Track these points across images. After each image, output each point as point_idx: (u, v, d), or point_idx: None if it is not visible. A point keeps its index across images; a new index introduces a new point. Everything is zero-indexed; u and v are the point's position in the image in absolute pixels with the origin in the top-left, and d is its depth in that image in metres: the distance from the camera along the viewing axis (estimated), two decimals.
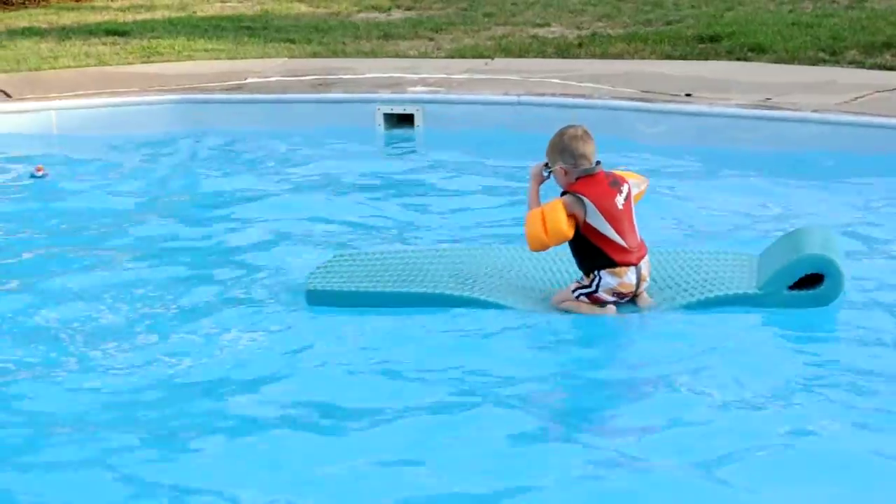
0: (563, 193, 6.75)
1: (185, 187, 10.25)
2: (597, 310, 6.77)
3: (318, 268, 7.45)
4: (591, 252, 6.71)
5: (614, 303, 6.79)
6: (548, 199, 6.77)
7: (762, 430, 5.36)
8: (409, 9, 19.09)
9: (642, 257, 6.79)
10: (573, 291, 6.81)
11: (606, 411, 5.84)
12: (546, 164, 6.82)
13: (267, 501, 4.85)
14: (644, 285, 6.83)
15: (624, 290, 6.75)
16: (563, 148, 6.70)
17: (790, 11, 16.79)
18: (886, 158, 9.95)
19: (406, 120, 12.02)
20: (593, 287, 6.73)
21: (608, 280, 6.70)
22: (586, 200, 6.61)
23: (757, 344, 6.42)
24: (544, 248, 6.74)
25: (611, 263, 6.68)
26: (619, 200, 6.71)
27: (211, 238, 8.72)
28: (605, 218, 6.64)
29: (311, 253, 8.16)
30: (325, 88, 12.64)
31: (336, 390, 5.96)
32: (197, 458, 5.30)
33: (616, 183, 6.77)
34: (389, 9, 19.09)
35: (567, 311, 6.80)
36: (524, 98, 11.76)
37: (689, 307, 6.76)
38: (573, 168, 6.70)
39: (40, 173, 10.40)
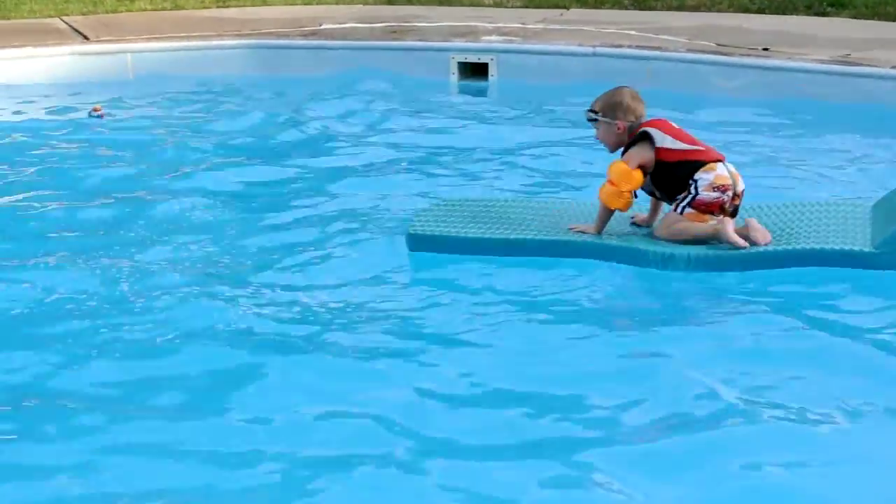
0: (623, 153, 6.87)
1: (259, 132, 10.25)
2: (706, 226, 6.72)
3: (418, 213, 7.36)
4: (676, 168, 6.76)
5: (719, 205, 6.71)
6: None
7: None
8: None
9: (724, 158, 6.84)
10: (675, 210, 6.78)
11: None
12: (592, 111, 6.93)
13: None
14: (741, 186, 6.77)
15: (722, 182, 6.71)
16: (628, 107, 6.87)
17: None
18: None
19: (480, 69, 11.97)
20: (693, 191, 6.71)
21: (703, 177, 6.71)
22: (651, 130, 6.78)
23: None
24: (631, 199, 6.78)
25: (698, 164, 6.73)
26: (672, 122, 6.93)
27: (287, 184, 8.72)
28: (673, 136, 6.78)
29: (391, 201, 8.13)
30: (399, 36, 12.61)
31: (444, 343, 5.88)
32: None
33: (661, 118, 6.99)
34: None
35: (677, 240, 6.76)
36: (599, 49, 11.68)
37: (797, 259, 6.60)
38: (631, 123, 6.85)
39: (97, 113, 10.44)
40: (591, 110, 6.94)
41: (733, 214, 6.79)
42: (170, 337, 5.90)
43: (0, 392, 5.42)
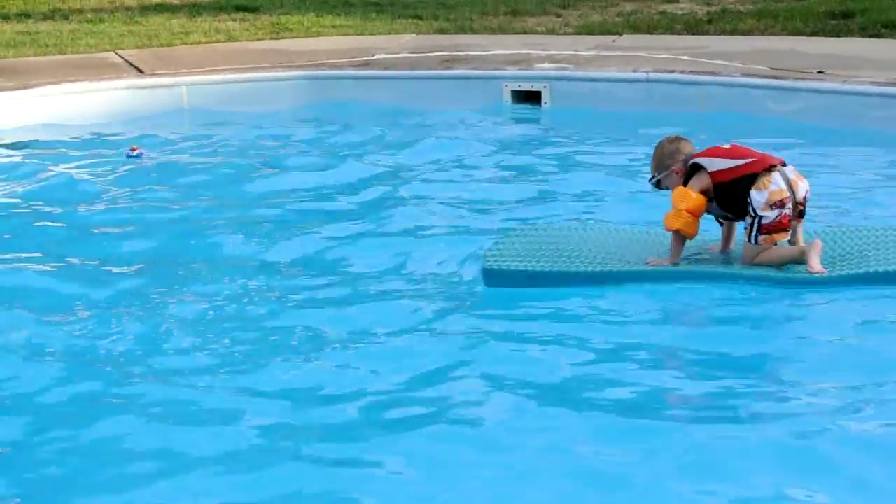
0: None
1: (315, 164, 10.28)
2: (792, 251, 6.84)
3: (490, 247, 7.28)
4: (734, 186, 6.84)
5: (787, 219, 6.77)
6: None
7: None
8: None
9: (780, 162, 6.92)
10: (752, 243, 6.83)
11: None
12: (651, 178, 7.15)
13: None
14: (802, 192, 6.84)
15: (780, 197, 6.78)
16: (673, 151, 7.10)
17: None
18: None
19: (533, 97, 11.99)
20: (754, 214, 6.79)
21: (757, 197, 6.78)
22: (700, 159, 6.94)
23: None
24: (697, 223, 6.87)
25: (751, 179, 6.82)
26: (723, 145, 7.07)
27: (349, 215, 8.72)
28: (723, 157, 6.93)
29: (456, 232, 8.15)
30: (452, 65, 12.65)
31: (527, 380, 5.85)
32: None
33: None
34: None
35: (762, 265, 6.87)
36: (653, 75, 11.67)
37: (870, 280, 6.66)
38: (684, 161, 7.02)
39: (135, 153, 10.42)
40: (650, 179, 7.16)
41: (800, 216, 6.88)
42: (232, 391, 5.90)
43: None
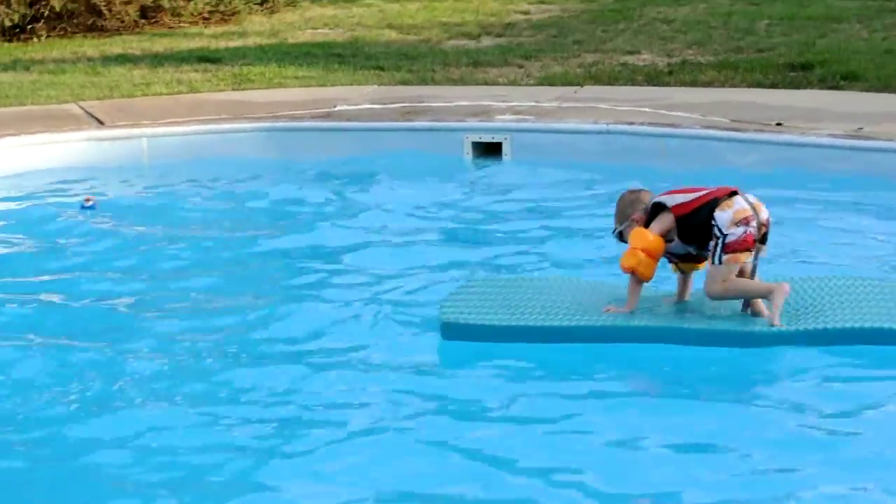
0: None
1: (276, 215, 10.28)
2: (762, 286, 6.89)
3: (447, 299, 7.34)
4: (695, 216, 6.91)
5: (751, 239, 6.80)
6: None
7: None
8: (498, 35, 19.09)
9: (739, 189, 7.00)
10: (717, 264, 6.84)
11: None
12: (615, 231, 7.22)
13: None
14: (764, 214, 6.91)
15: (743, 216, 6.83)
16: (633, 201, 7.20)
17: (884, 39, 16.60)
18: None
19: (494, 148, 11.99)
20: (719, 234, 6.81)
21: (721, 216, 6.82)
22: (662, 198, 7.05)
23: None
24: (654, 264, 6.95)
25: (714, 204, 6.87)
26: (679, 187, 7.18)
27: (306, 268, 8.71)
28: (683, 192, 7.04)
29: (414, 282, 8.17)
30: (413, 116, 12.66)
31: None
32: None
33: None
34: (479, 36, 19.10)
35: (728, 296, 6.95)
36: (613, 126, 11.70)
37: (838, 336, 6.71)
38: (644, 209, 7.09)
39: (89, 204, 10.38)
40: (613, 232, 7.23)
41: (763, 241, 6.93)
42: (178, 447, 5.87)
43: None
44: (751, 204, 6.88)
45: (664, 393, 6.51)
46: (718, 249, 6.82)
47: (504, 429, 5.97)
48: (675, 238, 6.94)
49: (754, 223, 6.82)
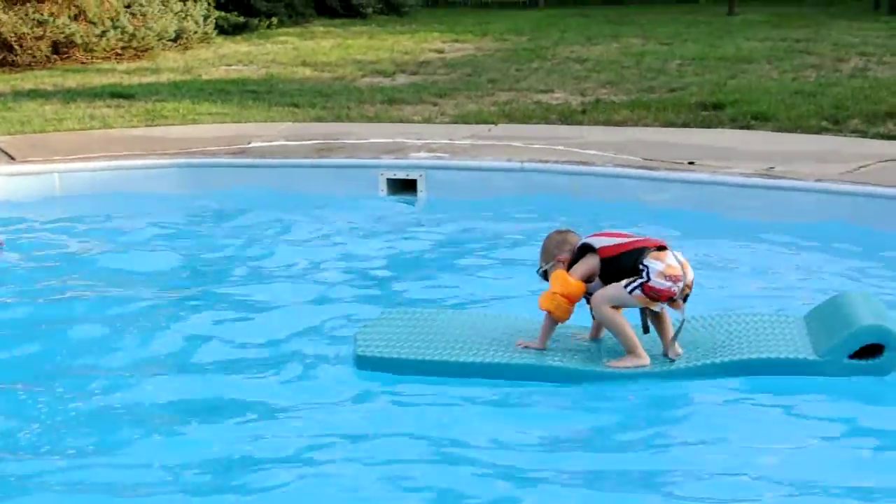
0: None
1: (187, 251, 10.21)
2: (634, 345, 6.90)
3: (362, 330, 7.38)
4: (620, 260, 6.92)
5: (669, 295, 6.85)
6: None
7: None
8: (413, 74, 19.18)
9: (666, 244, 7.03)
10: (625, 288, 6.86)
11: (659, 479, 5.80)
12: (540, 270, 7.22)
13: None
14: (691, 276, 6.92)
15: (674, 273, 6.84)
16: (560, 242, 7.20)
17: (793, 80, 16.87)
18: (887, 228, 9.93)
19: (409, 185, 12.01)
20: (645, 276, 6.83)
21: (653, 265, 6.84)
22: (590, 239, 7.04)
23: (815, 411, 6.51)
24: (571, 310, 6.97)
25: (645, 251, 6.90)
26: (609, 231, 7.29)
27: (217, 304, 8.65)
28: (611, 237, 7.07)
29: (321, 317, 8.14)
30: (328, 153, 12.66)
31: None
32: None
33: None
34: (394, 73, 19.17)
35: (603, 322, 7.02)
36: (528, 165, 11.76)
37: (741, 368, 6.83)
38: (570, 251, 7.11)
39: None
40: (538, 271, 7.22)
41: (685, 299, 6.92)
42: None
43: None
44: (679, 262, 6.91)
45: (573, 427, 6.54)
46: (636, 283, 6.83)
47: (420, 459, 5.97)
48: (597, 279, 6.97)
49: (680, 283, 6.86)
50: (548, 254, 7.17)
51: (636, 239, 7.00)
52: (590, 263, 6.95)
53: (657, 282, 6.81)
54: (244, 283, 9.16)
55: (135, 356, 7.49)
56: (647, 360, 6.87)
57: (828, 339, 6.85)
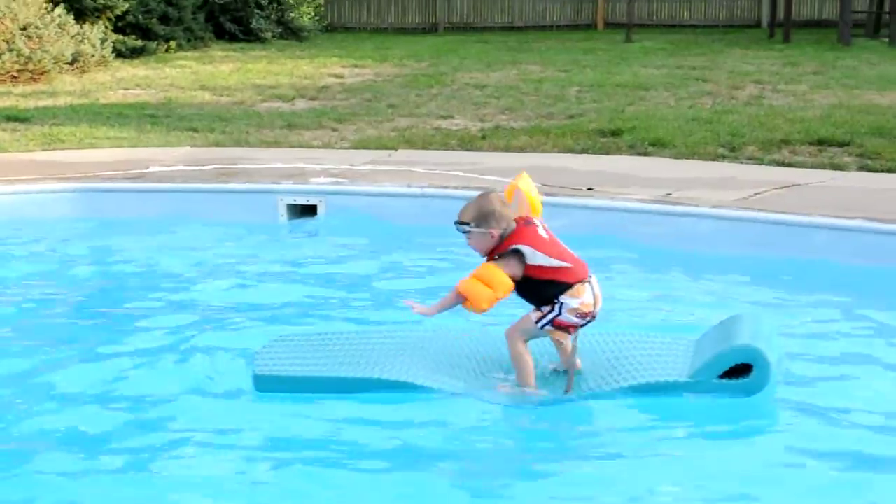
0: (490, 257, 6.95)
1: (83, 277, 10.12)
2: (529, 376, 6.93)
3: (260, 351, 7.36)
4: (544, 286, 6.89)
5: (576, 326, 6.93)
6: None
7: None
8: (313, 99, 19.15)
9: (589, 273, 7.00)
10: (536, 323, 6.90)
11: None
12: (462, 223, 6.94)
13: None
14: (599, 307, 6.97)
15: (586, 310, 6.90)
16: (501, 216, 6.91)
17: (690, 107, 17.06)
18: (782, 254, 10.06)
19: (309, 210, 11.99)
20: (556, 311, 6.87)
21: (569, 302, 6.86)
22: (523, 247, 6.86)
23: (686, 434, 6.61)
24: (492, 305, 6.84)
25: (566, 287, 6.87)
26: (543, 233, 7.02)
27: (116, 329, 8.58)
28: (544, 253, 6.88)
29: (218, 342, 8.11)
30: (227, 178, 12.60)
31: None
32: None
33: (529, 222, 7.03)
34: (293, 98, 19.14)
35: (513, 357, 6.98)
36: (427, 190, 11.78)
37: (619, 392, 6.90)
38: (503, 230, 6.91)
39: None
40: (461, 222, 6.93)
41: (586, 324, 7.00)
42: None
43: None
44: (594, 296, 6.94)
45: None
46: (548, 319, 6.90)
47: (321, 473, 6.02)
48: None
49: (588, 318, 6.95)
50: (482, 218, 6.88)
51: (565, 266, 6.90)
52: (516, 270, 6.83)
53: (567, 317, 6.88)
54: (140, 309, 9.08)
55: (24, 385, 7.40)
56: (536, 393, 6.92)
57: (700, 359, 6.96)
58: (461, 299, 6.85)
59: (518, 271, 6.84)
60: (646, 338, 7.52)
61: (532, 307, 6.99)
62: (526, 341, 6.97)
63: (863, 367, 7.59)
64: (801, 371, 7.42)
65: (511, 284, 6.82)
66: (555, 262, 6.88)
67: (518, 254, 6.86)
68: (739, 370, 6.85)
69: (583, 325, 6.98)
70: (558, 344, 7.07)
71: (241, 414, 6.88)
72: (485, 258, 7.00)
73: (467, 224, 6.93)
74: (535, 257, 6.85)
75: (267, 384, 7.05)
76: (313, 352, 7.32)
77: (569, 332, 6.96)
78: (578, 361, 7.07)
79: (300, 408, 6.89)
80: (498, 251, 6.92)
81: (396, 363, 7.13)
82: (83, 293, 9.64)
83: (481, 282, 6.78)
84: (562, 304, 6.87)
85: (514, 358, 6.98)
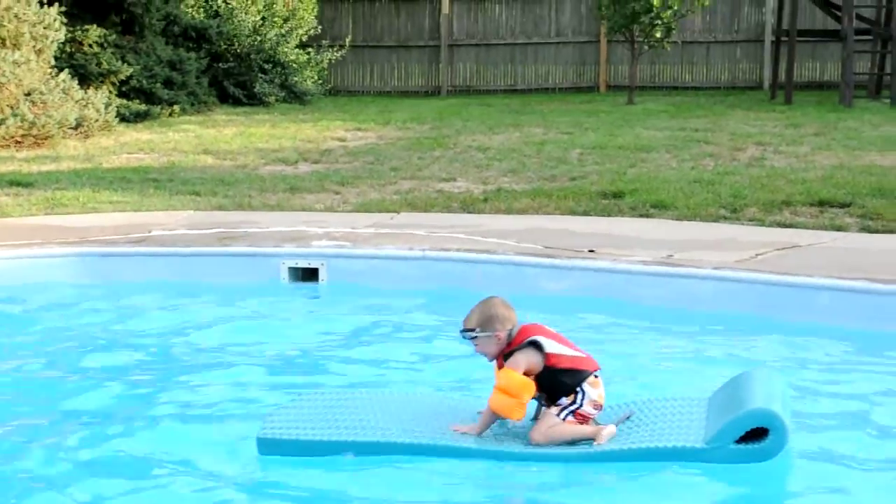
0: (505, 357, 6.92)
1: (85, 343, 10.10)
2: (587, 429, 6.90)
3: (267, 416, 7.34)
4: (566, 374, 6.89)
5: (591, 419, 6.94)
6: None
7: None
8: (315, 162, 19.20)
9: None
10: (557, 415, 6.88)
11: None
12: (467, 330, 6.97)
13: None
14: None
15: (601, 401, 6.95)
16: (505, 318, 6.93)
17: (692, 169, 17.10)
18: (784, 315, 10.05)
19: (311, 274, 11.99)
20: (578, 402, 6.87)
21: (590, 392, 6.89)
22: (540, 339, 6.87)
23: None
24: (524, 408, 6.85)
25: (586, 374, 6.91)
26: (545, 326, 7.07)
27: (119, 394, 8.57)
28: (557, 342, 6.92)
29: (222, 406, 8.09)
30: (229, 241, 12.60)
31: None
32: None
33: (533, 322, 7.11)
34: (296, 162, 19.19)
35: (553, 443, 6.88)
36: (429, 253, 11.79)
37: (635, 457, 6.82)
38: (509, 331, 6.93)
39: None
40: (466, 329, 6.97)
41: None
42: None
43: None
44: (601, 393, 7.01)
45: None
46: (570, 409, 6.89)
47: None
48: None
49: (599, 412, 6.99)
50: (487, 322, 6.91)
51: (581, 356, 6.95)
52: (533, 361, 6.83)
53: (587, 409, 6.90)
54: (145, 374, 9.07)
55: (29, 452, 7.39)
56: (606, 430, 6.91)
57: (715, 425, 6.87)
58: (509, 417, 6.89)
59: (539, 360, 6.84)
60: (657, 401, 7.45)
61: (545, 406, 6.99)
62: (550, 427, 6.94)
63: (867, 429, 7.57)
64: (806, 430, 7.39)
65: (531, 384, 6.80)
66: (569, 351, 6.92)
67: (535, 344, 6.87)
68: (754, 432, 6.77)
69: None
70: (593, 436, 6.98)
71: (243, 474, 6.88)
72: (493, 362, 7.02)
73: (472, 330, 6.96)
74: (552, 346, 6.88)
75: (273, 448, 7.03)
76: (318, 416, 7.27)
77: (589, 426, 6.95)
78: (611, 428, 6.99)
79: (302, 469, 6.89)
80: (507, 352, 6.93)
81: (404, 424, 7.12)
82: (85, 357, 9.61)
83: (506, 393, 6.78)
84: (584, 392, 6.88)
85: (556, 439, 6.89)
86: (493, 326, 6.91)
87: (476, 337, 6.95)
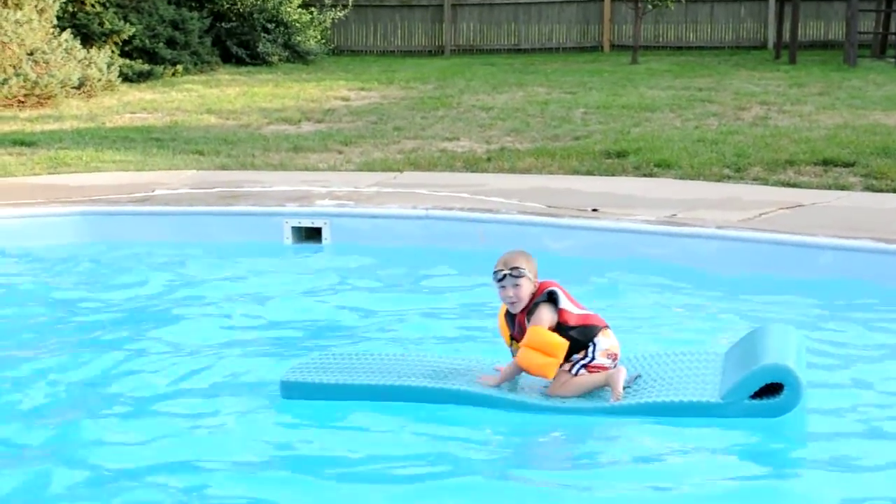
0: (529, 312, 6.99)
1: (92, 301, 10.10)
2: (600, 377, 6.96)
3: (293, 368, 7.49)
4: (580, 330, 6.97)
5: (606, 370, 6.98)
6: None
7: None
8: (319, 121, 19.18)
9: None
10: (569, 371, 6.94)
11: None
12: (516, 268, 6.99)
13: None
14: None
15: (615, 351, 7.02)
16: (534, 269, 7.05)
17: (696, 128, 17.07)
18: (787, 274, 10.06)
19: (314, 233, 11.99)
20: (590, 356, 6.94)
21: (601, 342, 6.97)
22: (555, 289, 6.98)
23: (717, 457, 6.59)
24: (556, 370, 6.93)
25: (597, 330, 7.00)
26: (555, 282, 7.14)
27: (129, 351, 8.58)
28: (568, 299, 7.02)
29: (227, 366, 8.13)
30: (233, 201, 12.61)
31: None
32: None
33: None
34: (299, 121, 19.16)
35: (568, 394, 6.97)
36: (432, 212, 11.78)
37: (651, 411, 6.86)
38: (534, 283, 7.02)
39: None
40: (516, 268, 6.96)
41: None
42: None
43: None
44: (615, 343, 7.06)
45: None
46: (581, 364, 6.95)
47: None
48: None
49: (616, 362, 7.03)
50: (530, 263, 7.01)
51: (590, 313, 7.04)
52: (553, 318, 6.93)
53: (600, 359, 6.93)
54: (151, 333, 9.07)
55: (46, 405, 7.42)
56: (617, 374, 6.95)
57: (731, 379, 6.89)
58: (521, 370, 6.96)
59: (554, 317, 6.92)
60: (673, 355, 7.48)
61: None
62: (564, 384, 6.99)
63: (877, 385, 7.57)
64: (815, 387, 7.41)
65: (564, 342, 6.87)
66: (580, 310, 7.03)
67: (552, 297, 6.95)
68: (770, 386, 6.78)
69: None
70: (607, 382, 7.02)
71: (261, 427, 7.00)
72: (517, 311, 7.04)
73: (522, 268, 6.99)
74: (565, 302, 6.96)
75: (295, 391, 7.25)
76: (343, 365, 7.47)
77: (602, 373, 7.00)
78: (621, 369, 7.05)
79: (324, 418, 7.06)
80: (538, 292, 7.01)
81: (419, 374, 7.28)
82: (90, 316, 9.62)
83: (541, 352, 6.84)
84: (595, 344, 6.94)
85: (571, 392, 6.97)
86: (534, 269, 7.04)
87: (524, 276, 6.97)
